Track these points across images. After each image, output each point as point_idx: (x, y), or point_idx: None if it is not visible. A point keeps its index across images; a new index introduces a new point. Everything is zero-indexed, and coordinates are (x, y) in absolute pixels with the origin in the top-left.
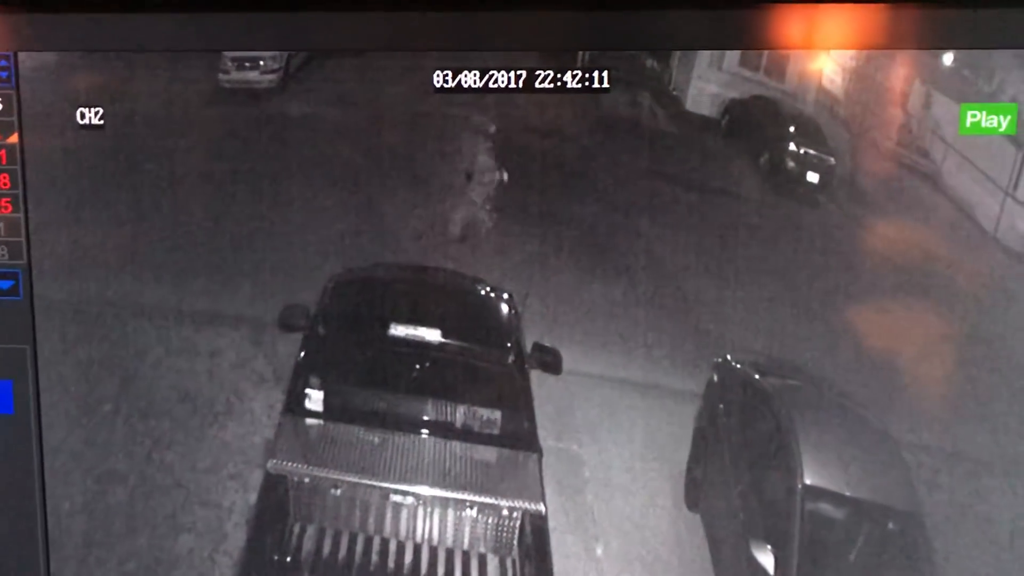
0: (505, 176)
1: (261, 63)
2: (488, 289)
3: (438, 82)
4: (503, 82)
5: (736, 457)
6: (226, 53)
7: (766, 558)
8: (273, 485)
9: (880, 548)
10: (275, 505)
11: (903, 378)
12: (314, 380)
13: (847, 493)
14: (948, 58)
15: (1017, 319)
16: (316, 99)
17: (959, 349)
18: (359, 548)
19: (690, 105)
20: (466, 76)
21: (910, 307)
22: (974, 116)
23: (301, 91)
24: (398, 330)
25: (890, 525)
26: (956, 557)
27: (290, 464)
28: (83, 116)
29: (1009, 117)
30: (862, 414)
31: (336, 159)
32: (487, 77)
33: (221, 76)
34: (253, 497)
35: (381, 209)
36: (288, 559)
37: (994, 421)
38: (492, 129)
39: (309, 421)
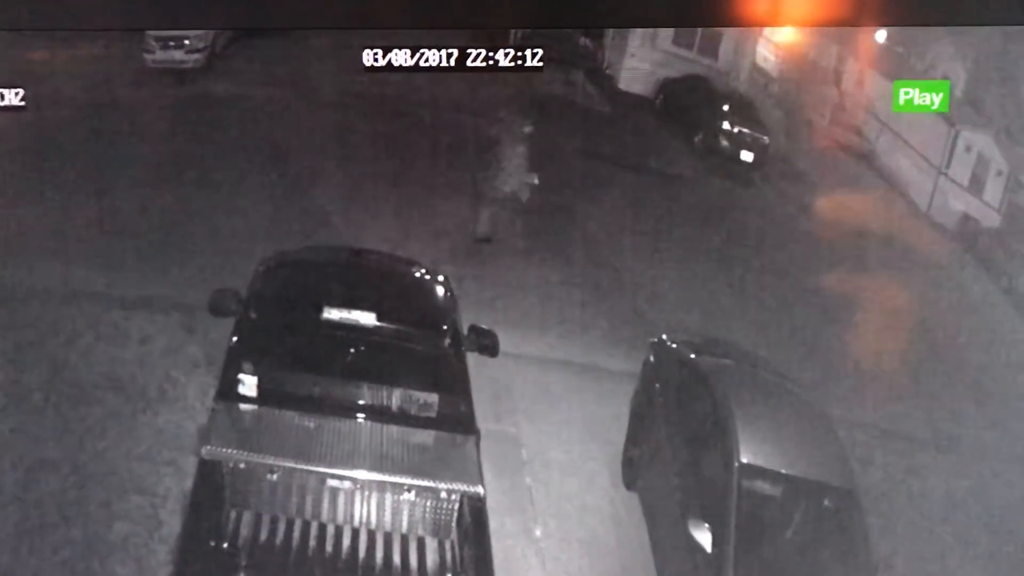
0: (438, 156)
1: (186, 42)
2: (423, 271)
3: (368, 61)
4: (434, 61)
5: (673, 436)
6: (150, 32)
7: (703, 536)
8: (208, 471)
9: (816, 525)
10: (211, 491)
11: (839, 356)
12: (247, 365)
13: (783, 471)
14: (881, 35)
15: (952, 298)
16: (243, 79)
17: (894, 327)
18: (297, 533)
19: (624, 84)
20: (396, 55)
21: (845, 286)
22: (907, 93)
23: (228, 71)
24: (332, 314)
25: (826, 502)
26: (891, 533)
27: (225, 450)
28: (3, 97)
29: (942, 94)
30: (798, 392)
31: (265, 140)
32: (418, 56)
33: (146, 56)
34: (188, 484)
35: (312, 191)
36: (225, 545)
37: (928, 399)
38: (424, 109)
39: (243, 407)
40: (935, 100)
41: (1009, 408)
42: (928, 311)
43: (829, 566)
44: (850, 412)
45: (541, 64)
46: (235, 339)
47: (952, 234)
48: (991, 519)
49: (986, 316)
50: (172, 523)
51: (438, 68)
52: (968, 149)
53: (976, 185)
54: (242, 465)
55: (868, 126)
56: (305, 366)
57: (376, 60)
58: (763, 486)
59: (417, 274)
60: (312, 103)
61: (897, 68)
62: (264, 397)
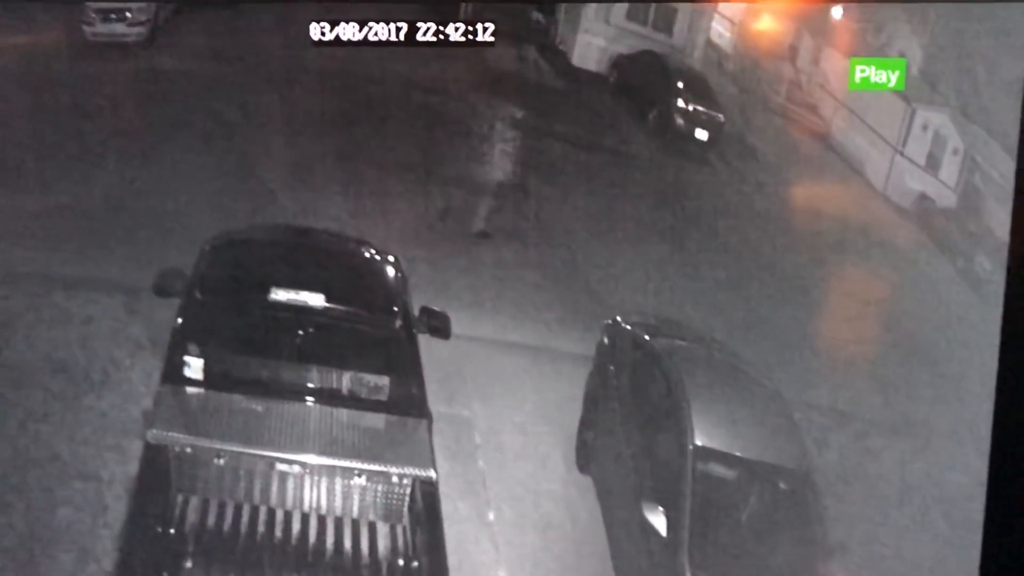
0: (389, 133)
1: (128, 15)
2: (373, 252)
3: (315, 35)
4: (383, 35)
5: (627, 419)
6: (89, 3)
7: (658, 519)
8: (154, 456)
9: (771, 507)
10: (157, 476)
11: (794, 338)
12: (193, 347)
13: (738, 453)
14: (837, 12)
15: (907, 278)
16: (187, 53)
17: (850, 308)
18: (245, 518)
19: (577, 60)
20: (345, 28)
21: (800, 266)
22: (863, 71)
23: (171, 45)
24: (279, 295)
25: (781, 484)
26: (846, 515)
27: (171, 434)
28: None
29: (898, 72)
30: (753, 374)
31: (210, 116)
32: (366, 29)
33: (86, 29)
34: (134, 468)
35: (259, 168)
36: (172, 531)
37: (884, 381)
38: (374, 84)
39: (189, 390)
40: (891, 78)
41: (964, 390)
42: (884, 292)
43: (784, 548)
44: (805, 394)
45: (492, 39)
46: (180, 321)
47: (908, 213)
48: (945, 501)
49: (942, 296)
50: (117, 509)
51: (387, 42)
52: (924, 128)
53: (932, 164)
54: (188, 449)
55: (824, 104)
56: (252, 348)
57: (324, 34)
58: (718, 469)
59: (367, 254)
60: (259, 78)
61: (853, 45)
62: (210, 380)
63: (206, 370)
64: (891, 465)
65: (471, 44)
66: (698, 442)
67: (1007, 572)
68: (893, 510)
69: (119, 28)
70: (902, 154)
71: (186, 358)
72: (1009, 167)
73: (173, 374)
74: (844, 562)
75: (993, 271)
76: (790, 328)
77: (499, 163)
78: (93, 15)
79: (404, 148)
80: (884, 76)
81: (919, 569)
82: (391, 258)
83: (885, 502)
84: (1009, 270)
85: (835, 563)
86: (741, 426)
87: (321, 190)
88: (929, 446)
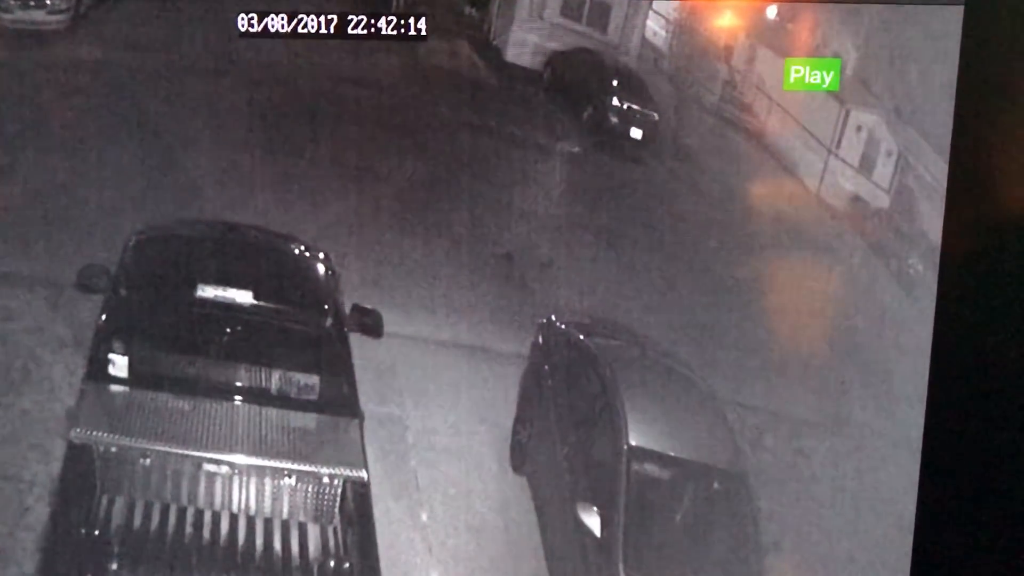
0: (318, 127)
1: (48, 2)
2: (303, 248)
3: (243, 26)
4: (313, 27)
5: (562, 419)
6: None
7: (592, 519)
8: (77, 456)
9: (706, 508)
10: (80, 477)
11: (728, 338)
12: (118, 345)
13: (672, 453)
14: (772, 11)
15: (841, 280)
16: (110, 43)
17: (784, 309)
18: (172, 520)
19: (511, 56)
20: (273, 20)
21: (735, 267)
22: (798, 71)
23: (93, 34)
24: (206, 291)
25: (715, 485)
26: (780, 515)
27: (95, 433)
28: None
29: (832, 73)
30: (687, 374)
31: (134, 108)
32: (296, 21)
33: (3, 15)
34: (56, 469)
35: (183, 161)
36: (96, 533)
37: (817, 381)
38: (302, 77)
39: (114, 388)
40: (826, 78)
41: (897, 391)
42: (818, 293)
43: (718, 548)
44: (739, 394)
45: (425, 33)
46: (104, 317)
47: (842, 215)
48: (877, 501)
49: (875, 298)
50: (39, 510)
51: (317, 35)
52: (859, 129)
53: (866, 166)
54: (113, 449)
55: (759, 104)
56: (179, 346)
57: (252, 25)
58: (652, 469)
59: (296, 251)
60: (184, 70)
61: (788, 45)
62: (136, 378)
63: (131, 368)
64: (824, 465)
65: (403, 38)
66: (632, 442)
67: (938, 570)
68: (826, 510)
69: (39, 15)
70: (836, 155)
71: (110, 356)
72: (941, 169)
73: (97, 372)
74: (777, 562)
75: (925, 273)
76: (724, 328)
77: (431, 159)
78: (11, 1)
79: (334, 143)
80: (819, 76)
81: (851, 568)
82: (321, 255)
83: (818, 502)
84: (940, 272)
85: (768, 563)
86: (676, 426)
87: (249, 185)
88: (862, 446)
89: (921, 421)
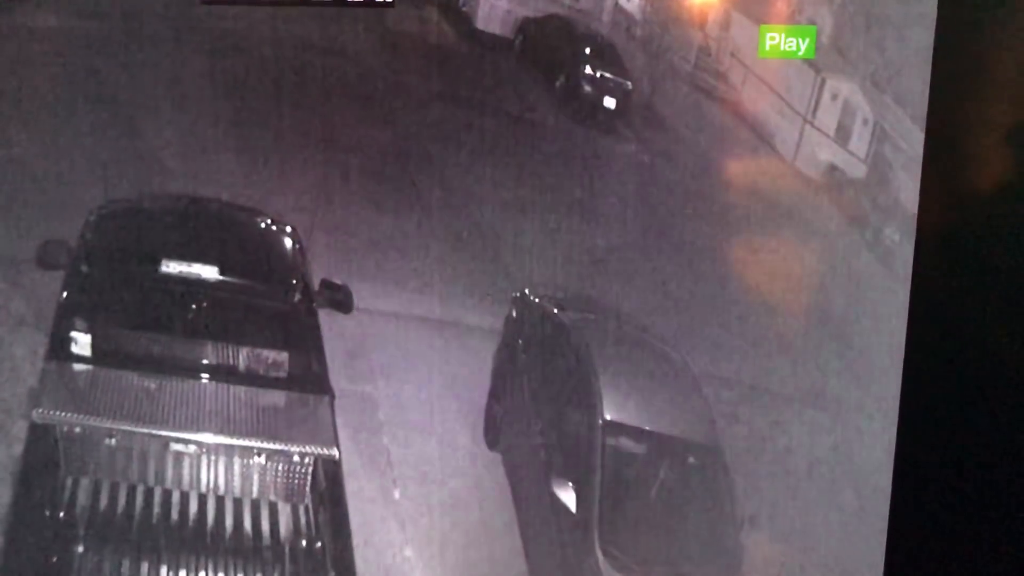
0: (283, 97)
1: None
2: (269, 221)
3: None
4: None
5: (536, 394)
6: None
7: (568, 495)
8: (40, 436)
9: (681, 482)
10: (44, 458)
11: (702, 310)
12: (80, 322)
13: (648, 428)
14: None
15: (817, 250)
16: (66, 10)
17: (759, 281)
18: (139, 500)
19: (481, 23)
20: None
21: (709, 238)
22: (773, 39)
23: (48, 1)
24: (170, 267)
25: (691, 459)
26: (756, 488)
27: (58, 413)
28: None
29: (808, 40)
30: (662, 348)
31: (92, 78)
32: None
33: None
34: (18, 449)
35: (146, 133)
36: (61, 515)
37: (793, 353)
38: (267, 45)
39: (77, 367)
40: (801, 46)
41: (872, 363)
42: (793, 263)
43: (694, 522)
44: (714, 367)
45: (392, 0)
46: (65, 294)
47: (818, 185)
48: (854, 474)
49: (851, 268)
50: (1, 492)
51: (281, 1)
52: (834, 97)
53: (842, 134)
54: (77, 429)
55: (734, 72)
56: (143, 323)
57: None
58: (628, 444)
59: (263, 224)
60: (144, 38)
61: (763, 12)
62: (99, 356)
63: (94, 346)
64: (800, 438)
65: (369, 4)
66: (608, 416)
67: (914, 543)
68: (802, 482)
69: None
70: (812, 124)
71: (73, 334)
72: (918, 138)
73: (59, 350)
74: (754, 535)
75: (902, 243)
76: (699, 300)
77: (400, 129)
78: None
79: (300, 113)
80: (794, 43)
81: (828, 541)
82: (288, 228)
83: (794, 475)
84: (917, 242)
85: (745, 536)
86: (651, 400)
87: (213, 157)
88: (838, 418)
89: (897, 392)
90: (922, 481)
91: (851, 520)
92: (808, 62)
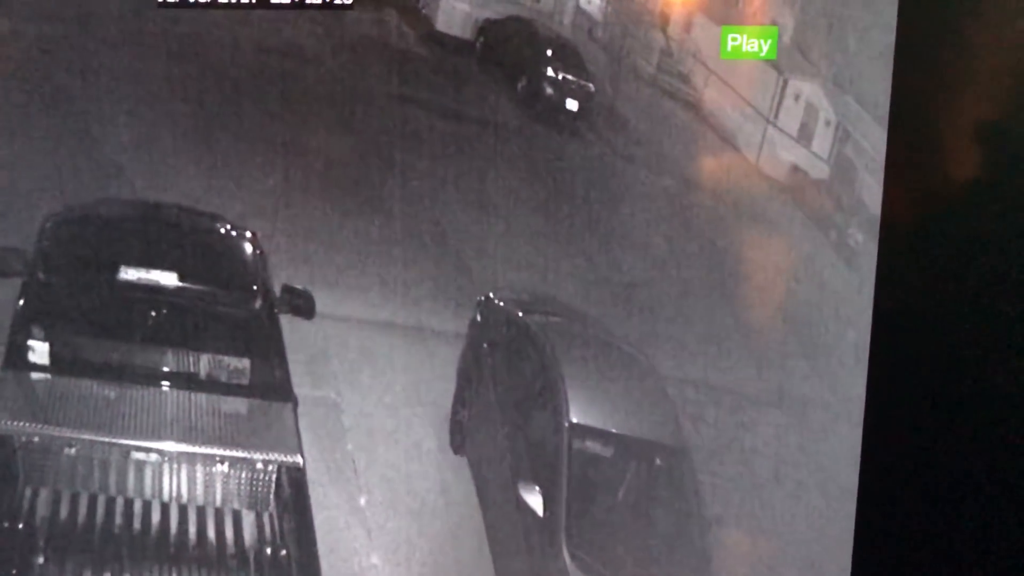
0: (241, 101)
1: None
2: (228, 227)
3: None
4: None
5: (502, 398)
6: None
7: (534, 499)
8: None
9: (648, 484)
10: (2, 468)
11: (667, 312)
12: (37, 330)
13: (614, 430)
14: None
15: (781, 250)
16: (20, 13)
17: (723, 282)
18: (100, 510)
19: (441, 25)
20: None
21: (673, 240)
22: (735, 40)
23: (4, 4)
24: (129, 273)
25: (657, 460)
26: (722, 489)
27: (15, 423)
28: None
29: (770, 41)
30: (628, 350)
31: (47, 82)
32: None
33: None
34: None
35: (102, 138)
36: (20, 526)
37: (758, 354)
38: (224, 49)
39: (35, 375)
40: (763, 47)
41: (837, 362)
42: (757, 264)
43: (662, 524)
44: (680, 369)
45: (350, 1)
46: (22, 302)
47: (781, 186)
48: (821, 473)
49: (815, 269)
50: None
51: (238, 4)
52: (797, 98)
53: (805, 135)
54: (36, 439)
55: (696, 73)
56: (102, 331)
57: None
58: (594, 446)
59: (222, 230)
60: (100, 42)
61: (725, 13)
62: (58, 365)
63: (52, 354)
64: (766, 438)
65: (328, 7)
66: (574, 419)
67: (880, 542)
68: (769, 483)
69: None
70: (774, 125)
71: (30, 342)
72: (880, 138)
73: (16, 359)
74: (721, 535)
75: (865, 243)
76: (663, 302)
77: (361, 133)
78: None
79: (259, 117)
80: (756, 45)
81: (795, 540)
82: (248, 234)
83: (761, 475)
84: (881, 242)
85: (712, 537)
86: (616, 402)
87: (171, 162)
88: (804, 419)
89: (863, 392)
90: (888, 479)
91: (818, 519)
92: (770, 63)
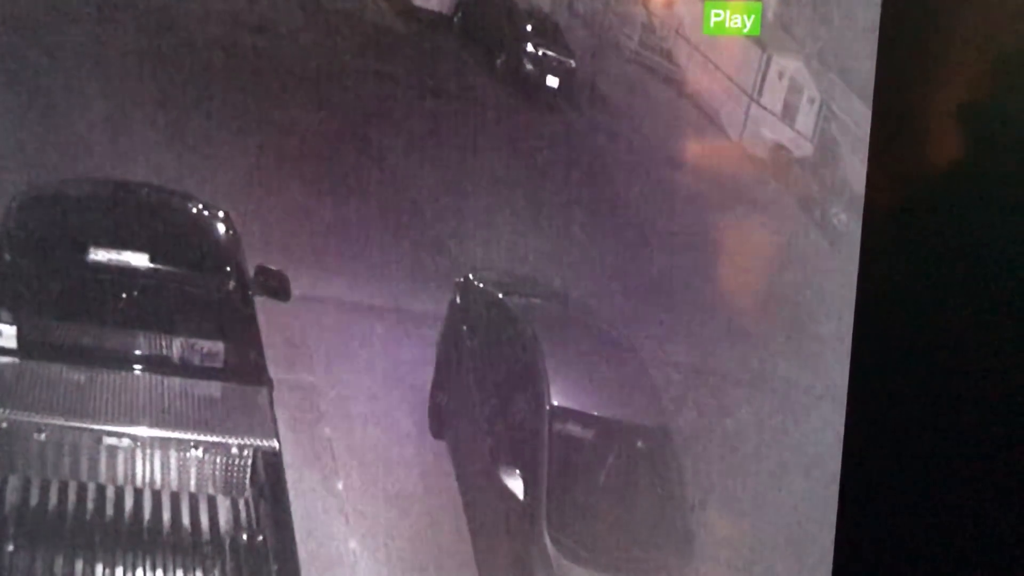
0: (213, 77)
1: None
2: (201, 206)
3: None
4: None
5: (481, 381)
6: None
7: (515, 482)
8: None
9: (630, 466)
10: None
11: (650, 294)
12: (4, 314)
13: (595, 413)
14: None
15: (764, 231)
16: None
17: (706, 262)
18: (72, 497)
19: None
20: None
21: (655, 219)
22: (718, 15)
23: None
24: (98, 254)
25: (639, 443)
26: (704, 471)
27: None
28: None
29: (753, 17)
30: (610, 332)
31: (11, 58)
32: None
33: None
34: None
35: (69, 114)
36: None
37: (741, 335)
38: (195, 22)
39: (2, 360)
40: (746, 23)
41: (820, 343)
42: (740, 244)
43: (644, 508)
44: (662, 351)
45: None
46: None
47: (765, 164)
48: (803, 455)
49: (799, 249)
50: None
51: None
52: (780, 75)
53: (789, 113)
54: (4, 424)
55: (678, 50)
56: (71, 313)
57: None
58: (575, 429)
59: (194, 210)
60: (64, 16)
61: None
62: (25, 349)
63: (20, 338)
64: (749, 420)
65: None
66: (555, 402)
67: (864, 525)
68: (752, 465)
69: None
70: (758, 103)
71: None
72: (865, 116)
73: None
74: (704, 518)
75: (849, 223)
76: (645, 283)
77: (336, 110)
78: None
79: (231, 94)
80: (739, 20)
81: (778, 523)
82: (221, 213)
83: (743, 458)
84: (865, 222)
85: (695, 520)
86: (598, 385)
87: (141, 139)
88: (787, 401)
89: (846, 374)
90: (871, 463)
91: (801, 502)
92: (754, 39)
